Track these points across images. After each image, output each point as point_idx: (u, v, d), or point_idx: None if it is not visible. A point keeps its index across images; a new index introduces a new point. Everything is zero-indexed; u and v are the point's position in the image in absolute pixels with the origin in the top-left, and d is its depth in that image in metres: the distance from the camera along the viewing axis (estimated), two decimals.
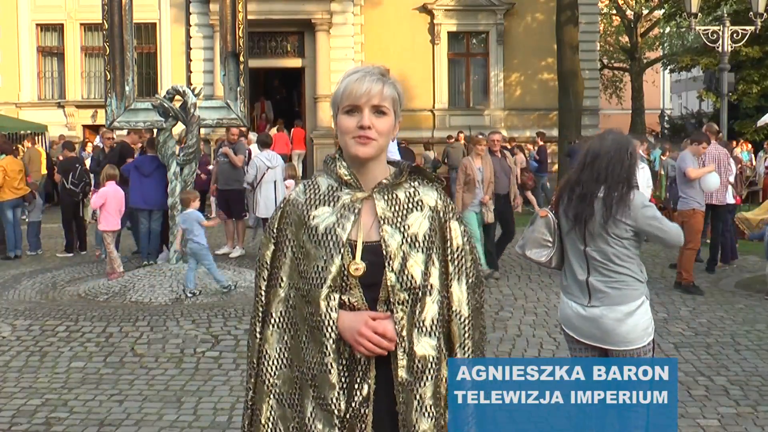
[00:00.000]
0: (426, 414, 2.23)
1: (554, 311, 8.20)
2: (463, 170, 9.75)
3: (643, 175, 9.12)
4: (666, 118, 39.44)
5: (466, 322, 2.30)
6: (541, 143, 20.31)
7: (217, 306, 8.16)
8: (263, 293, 2.34)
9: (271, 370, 2.31)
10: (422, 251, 2.25)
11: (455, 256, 2.30)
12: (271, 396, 2.30)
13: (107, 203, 9.81)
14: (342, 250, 2.21)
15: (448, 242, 2.30)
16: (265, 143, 11.97)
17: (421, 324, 2.23)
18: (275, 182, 11.30)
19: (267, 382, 2.31)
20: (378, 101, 2.23)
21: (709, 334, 7.37)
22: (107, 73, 9.61)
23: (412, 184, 2.32)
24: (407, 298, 2.22)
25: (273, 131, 22.35)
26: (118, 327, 7.33)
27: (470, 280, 2.33)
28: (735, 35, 16.98)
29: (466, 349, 2.29)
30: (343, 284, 2.21)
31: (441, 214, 2.31)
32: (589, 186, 3.85)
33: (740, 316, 8.05)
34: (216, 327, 7.33)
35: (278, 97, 25.61)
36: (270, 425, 2.30)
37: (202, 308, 8.03)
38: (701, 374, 6.19)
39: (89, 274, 10.46)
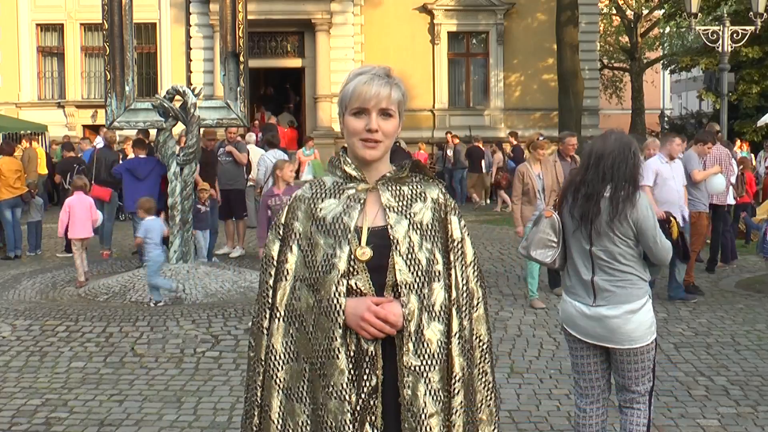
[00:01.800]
0: (435, 398, 2.26)
1: (554, 311, 8.20)
2: (519, 178, 8.47)
3: (677, 170, 8.72)
4: (666, 118, 39.44)
5: (463, 313, 2.35)
6: (515, 143, 20.38)
7: (217, 306, 8.15)
8: (270, 289, 2.36)
9: (278, 364, 2.31)
10: (427, 239, 2.32)
11: (455, 247, 2.37)
12: (280, 391, 2.31)
13: (75, 213, 9.90)
14: (350, 237, 2.26)
15: (449, 234, 2.37)
16: (271, 143, 11.96)
17: (431, 308, 2.28)
18: None
19: (274, 377, 2.31)
20: (386, 105, 2.29)
21: (709, 334, 7.37)
22: (107, 73, 9.60)
23: (414, 179, 2.40)
24: (414, 282, 2.27)
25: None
26: (118, 327, 7.32)
27: (470, 273, 2.40)
28: (735, 35, 16.96)
29: (462, 339, 2.33)
30: (351, 270, 2.26)
31: (443, 207, 2.39)
32: (595, 186, 3.88)
33: (740, 316, 8.05)
34: (216, 327, 7.32)
35: (270, 92, 25.50)
36: (280, 421, 2.30)
37: (202, 308, 8.02)
38: (701, 374, 6.19)
39: (89, 274, 10.44)
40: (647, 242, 3.86)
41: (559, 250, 4.02)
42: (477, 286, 2.41)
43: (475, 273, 2.41)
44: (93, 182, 12.04)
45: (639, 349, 3.88)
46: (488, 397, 2.42)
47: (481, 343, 2.41)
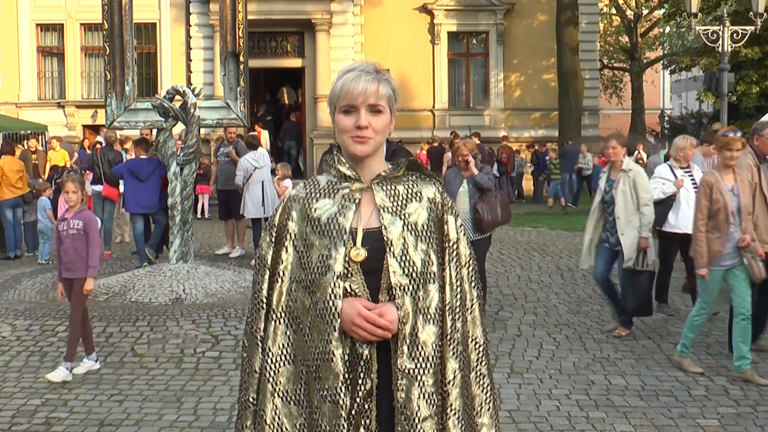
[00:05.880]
0: (428, 401, 2.24)
1: (554, 311, 8.21)
2: (705, 193, 5.90)
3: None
4: (666, 118, 39.48)
5: (456, 315, 2.31)
6: (477, 142, 20.42)
7: (217, 306, 8.15)
8: (264, 290, 2.34)
9: (274, 367, 2.29)
10: (422, 240, 2.29)
11: (450, 247, 2.34)
12: (276, 395, 2.29)
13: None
14: (345, 238, 2.24)
15: (445, 235, 2.34)
16: (252, 144, 11.95)
17: (426, 311, 2.26)
18: (263, 182, 11.29)
19: (270, 380, 2.29)
20: (374, 100, 2.27)
21: (709, 333, 7.35)
22: (107, 73, 9.61)
23: (411, 178, 2.37)
24: (409, 284, 2.24)
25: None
26: (118, 327, 7.33)
27: (465, 275, 2.36)
28: (735, 35, 16.96)
29: (454, 342, 2.29)
30: (346, 272, 2.24)
31: (439, 207, 2.36)
32: None
33: None
34: (216, 327, 7.33)
35: (265, 113, 25.55)
36: (276, 425, 2.29)
37: (202, 308, 8.03)
38: (701, 374, 6.19)
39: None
40: None
41: None
42: (471, 287, 2.37)
43: (470, 274, 2.38)
44: (104, 181, 12.09)
45: None
46: (488, 400, 2.38)
47: (477, 346, 2.37)
